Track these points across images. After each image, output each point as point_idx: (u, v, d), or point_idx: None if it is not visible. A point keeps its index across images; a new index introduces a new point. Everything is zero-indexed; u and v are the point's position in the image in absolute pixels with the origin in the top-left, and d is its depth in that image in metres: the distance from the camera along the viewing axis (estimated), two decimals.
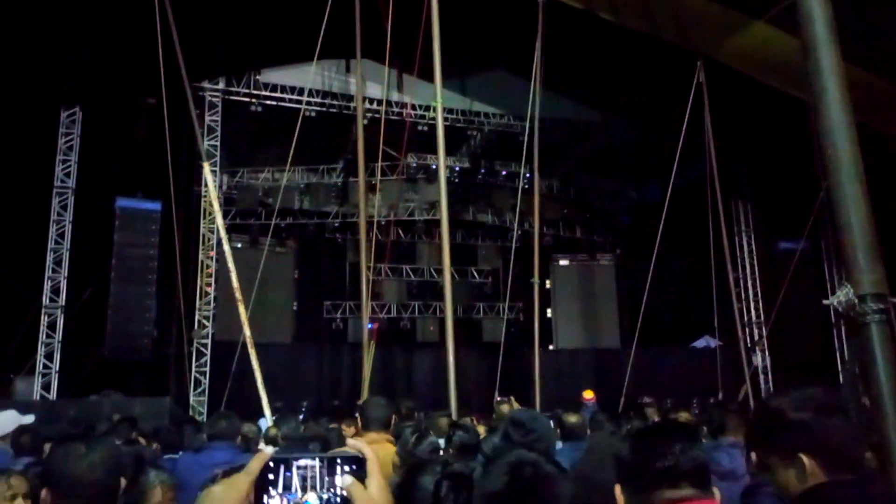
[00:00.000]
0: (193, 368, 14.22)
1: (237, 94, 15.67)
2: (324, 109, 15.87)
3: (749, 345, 15.24)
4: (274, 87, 15.78)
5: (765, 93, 12.43)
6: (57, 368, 13.50)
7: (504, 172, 18.65)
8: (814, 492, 1.60)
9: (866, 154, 2.34)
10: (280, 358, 15.58)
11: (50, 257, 13.79)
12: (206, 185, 13.25)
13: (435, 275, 18.51)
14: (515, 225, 15.08)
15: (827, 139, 2.36)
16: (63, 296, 13.78)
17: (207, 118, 15.10)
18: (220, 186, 16.37)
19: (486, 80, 17.29)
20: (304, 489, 1.10)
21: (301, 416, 11.67)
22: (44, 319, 13.60)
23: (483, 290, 19.44)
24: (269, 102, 15.69)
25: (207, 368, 14.60)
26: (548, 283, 19.62)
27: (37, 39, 11.78)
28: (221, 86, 15.56)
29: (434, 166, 17.00)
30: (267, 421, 7.67)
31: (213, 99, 15.44)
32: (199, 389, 14.42)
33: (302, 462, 1.11)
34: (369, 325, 10.41)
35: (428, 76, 8.68)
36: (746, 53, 11.57)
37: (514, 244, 13.38)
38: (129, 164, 13.48)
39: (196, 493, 3.26)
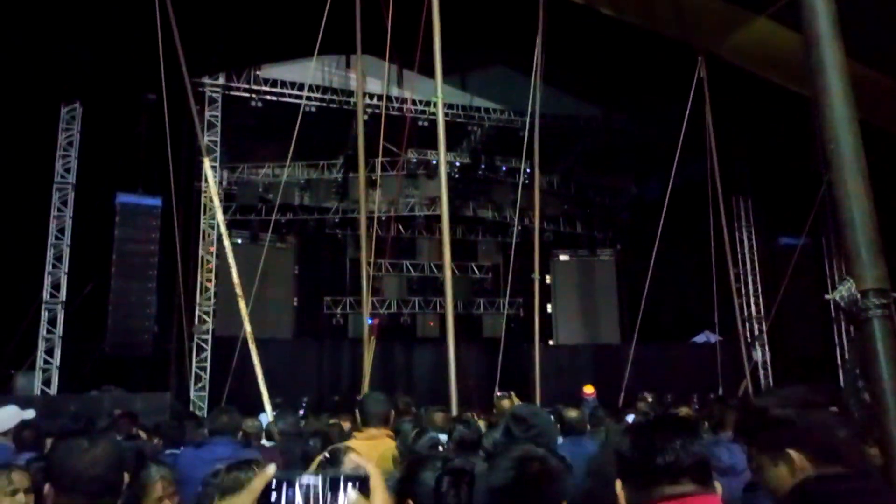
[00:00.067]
0: (194, 364, 14.24)
1: (237, 89, 15.65)
2: (324, 105, 15.85)
3: (749, 340, 15.24)
4: (274, 83, 15.77)
5: (766, 89, 12.40)
6: (57, 364, 13.50)
7: (504, 168, 18.64)
8: (804, 485, 1.62)
9: (868, 150, 2.33)
10: (280, 354, 15.59)
11: (50, 253, 13.79)
12: (206, 181, 13.23)
13: (435, 270, 18.52)
14: (516, 220, 15.07)
15: (829, 135, 2.35)
16: (63, 291, 13.78)
17: (207, 114, 15.09)
18: (221, 182, 16.36)
19: (486, 75, 17.28)
20: None
21: (301, 412, 11.70)
22: (44, 315, 13.61)
23: (483, 286, 19.45)
24: (269, 98, 15.67)
25: (208, 364, 14.62)
26: (548, 279, 19.62)
27: (37, 35, 11.75)
28: (221, 81, 15.54)
29: (434, 162, 16.99)
30: (267, 417, 7.67)
31: (214, 94, 15.43)
32: (200, 385, 14.44)
33: (305, 480, 1.10)
34: (370, 321, 10.40)
35: (428, 71, 8.66)
36: (748, 49, 11.54)
37: (514, 240, 13.36)
38: (129, 160, 13.48)
39: (197, 487, 3.27)
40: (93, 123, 14.17)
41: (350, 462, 3.01)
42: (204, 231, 15.12)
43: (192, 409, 13.38)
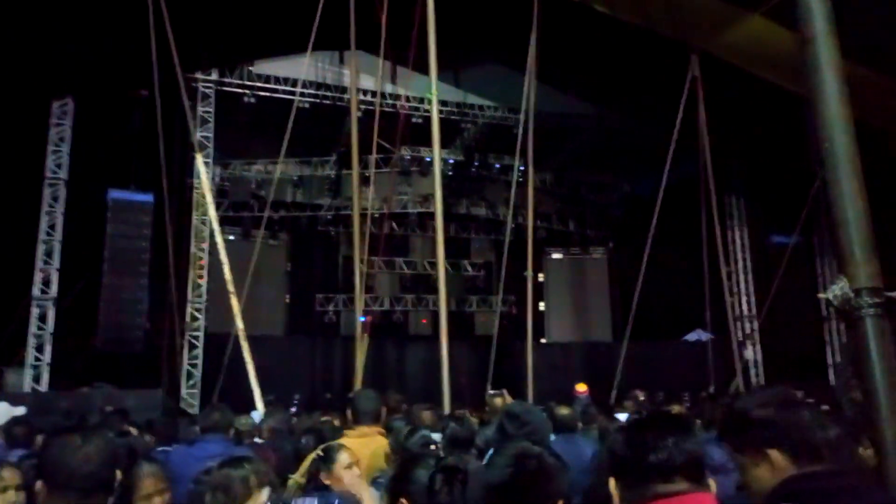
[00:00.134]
0: (186, 361, 14.21)
1: (230, 85, 15.61)
2: (317, 101, 15.82)
3: (741, 338, 15.30)
4: (267, 79, 15.73)
5: (759, 87, 12.45)
6: (48, 361, 13.44)
7: (497, 165, 18.65)
8: (785, 485, 1.62)
9: (862, 150, 2.34)
10: (272, 351, 15.54)
11: (41, 249, 13.70)
12: (198, 177, 13.21)
13: (428, 268, 18.51)
14: (509, 218, 15.06)
15: (824, 133, 2.35)
16: (55, 288, 13.70)
17: (200, 109, 15.04)
18: (213, 178, 16.29)
19: (480, 72, 17.28)
20: None
21: (293, 409, 11.69)
22: (35, 311, 13.53)
23: (476, 284, 19.47)
24: (262, 94, 15.64)
25: (200, 361, 14.59)
26: (540, 277, 19.66)
27: (28, 29, 11.67)
28: (214, 77, 15.50)
29: (428, 159, 16.99)
30: (259, 414, 7.66)
31: (206, 90, 15.38)
32: (192, 382, 14.41)
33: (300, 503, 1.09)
34: (362, 319, 10.38)
35: (422, 68, 8.66)
36: (741, 47, 11.59)
37: (507, 237, 13.37)
38: (121, 156, 13.42)
39: (189, 485, 3.25)
40: (84, 119, 14.09)
41: (343, 482, 3.02)
42: (196, 227, 15.06)
43: (183, 406, 13.35)
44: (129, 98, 13.17)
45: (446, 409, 6.31)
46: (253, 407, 8.09)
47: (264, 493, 2.35)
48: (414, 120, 15.52)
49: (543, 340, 19.53)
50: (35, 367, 13.39)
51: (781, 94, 11.94)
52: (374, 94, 13.82)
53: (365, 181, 14.93)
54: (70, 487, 1.80)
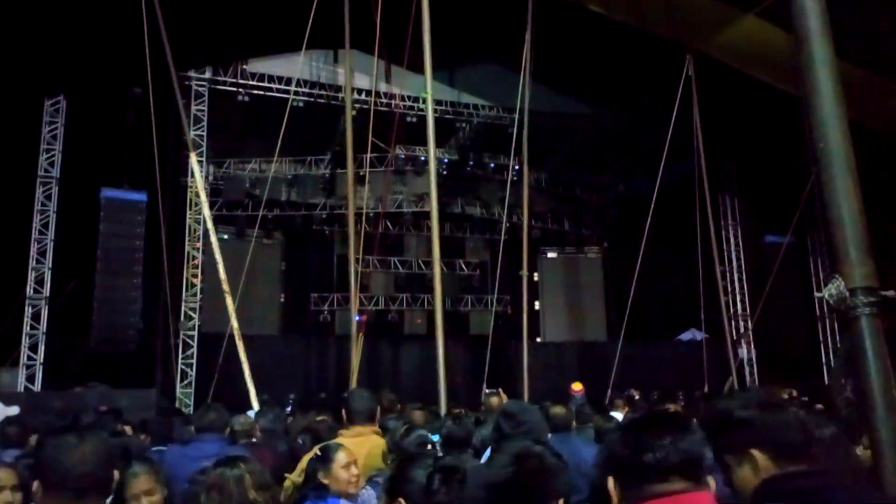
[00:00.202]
0: (180, 360, 14.17)
1: (224, 83, 15.56)
2: (311, 100, 15.78)
3: (735, 337, 15.34)
4: (261, 77, 15.68)
5: (753, 87, 12.49)
6: (42, 360, 13.39)
7: (492, 165, 18.65)
8: (766, 484, 1.64)
9: (857, 150, 2.35)
10: (267, 350, 15.52)
11: (34, 248, 13.65)
12: (192, 176, 13.17)
13: (423, 267, 18.51)
14: (504, 217, 15.07)
15: (819, 133, 2.36)
16: (48, 287, 13.65)
17: (194, 108, 14.99)
18: (207, 177, 16.26)
19: (474, 71, 17.29)
20: None
21: (289, 409, 11.68)
22: (28, 311, 13.48)
23: (471, 283, 19.47)
24: (256, 92, 15.59)
25: (194, 360, 14.54)
26: (535, 276, 19.68)
27: (21, 26, 11.62)
28: (208, 75, 15.44)
29: (423, 158, 16.97)
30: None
31: (200, 88, 15.33)
32: (186, 381, 14.37)
33: None
34: (357, 318, 10.37)
35: (416, 67, 8.63)
36: (736, 47, 11.62)
37: (502, 237, 13.37)
38: (114, 154, 13.35)
39: (184, 485, 3.25)
40: (77, 117, 14.03)
41: (340, 482, 3.02)
42: (190, 226, 15.02)
43: (178, 405, 13.31)
44: (122, 96, 13.13)
45: (442, 408, 6.31)
46: (248, 406, 8.07)
47: None
48: (408, 119, 15.52)
49: (538, 340, 19.56)
50: (28, 367, 13.34)
51: (776, 94, 11.99)
52: (368, 93, 13.82)
53: (360, 180, 14.94)
54: (66, 487, 1.79)
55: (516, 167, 13.95)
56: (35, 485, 1.84)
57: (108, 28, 11.52)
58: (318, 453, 3.16)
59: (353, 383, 9.10)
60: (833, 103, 2.37)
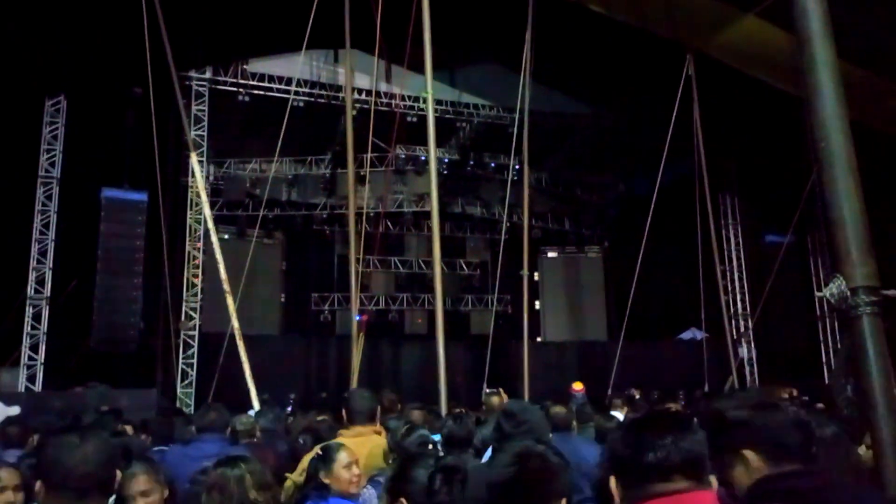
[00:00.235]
0: (180, 360, 14.16)
1: (224, 83, 15.55)
2: (312, 100, 15.77)
3: (735, 337, 15.34)
4: (261, 77, 15.68)
5: (753, 87, 12.48)
6: (42, 360, 13.39)
7: (493, 164, 18.64)
8: (758, 485, 1.65)
9: (859, 151, 2.35)
10: (267, 350, 15.52)
11: (35, 248, 13.65)
12: (193, 176, 13.17)
13: (423, 267, 18.52)
14: (504, 217, 15.07)
15: (820, 133, 2.37)
16: (48, 287, 13.65)
17: (194, 108, 14.98)
18: (207, 177, 16.26)
19: (475, 71, 17.27)
20: None
21: (289, 409, 11.68)
22: (29, 311, 13.48)
23: (471, 283, 19.47)
24: (256, 92, 15.58)
25: (195, 360, 14.54)
26: (536, 276, 19.67)
27: (21, 28, 11.62)
28: (208, 75, 15.43)
29: (423, 158, 16.97)
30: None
31: (200, 88, 15.32)
32: (187, 381, 14.37)
33: None
34: (358, 317, 10.38)
35: (417, 67, 8.64)
36: (736, 47, 11.62)
37: (502, 236, 13.37)
38: (114, 154, 13.36)
39: (185, 485, 3.25)
40: (78, 117, 14.03)
41: (342, 482, 3.02)
42: (190, 226, 15.01)
43: (178, 405, 13.30)
44: (122, 96, 13.14)
45: (443, 408, 6.31)
46: (249, 406, 8.07)
47: None
48: (409, 119, 15.51)
49: (539, 339, 19.56)
50: (29, 367, 13.34)
51: (776, 93, 11.99)
52: (369, 92, 13.81)
53: (360, 180, 14.94)
54: (68, 487, 1.79)
55: (517, 167, 13.94)
56: (37, 485, 1.84)
57: (108, 28, 11.52)
58: (320, 453, 3.16)
59: (354, 383, 9.11)
60: (834, 104, 2.38)
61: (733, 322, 17.04)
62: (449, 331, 7.21)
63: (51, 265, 13.69)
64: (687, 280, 14.63)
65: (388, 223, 18.50)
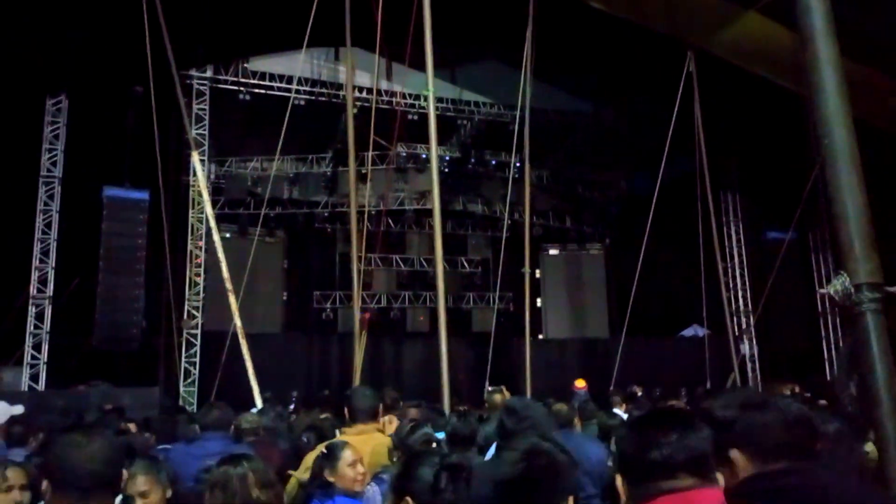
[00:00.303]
0: (183, 359, 14.17)
1: (225, 82, 15.56)
2: (313, 98, 15.78)
3: (737, 334, 15.35)
4: (262, 76, 15.68)
5: (754, 84, 12.47)
6: (45, 359, 13.42)
7: (494, 162, 18.63)
8: (743, 484, 1.64)
9: (863, 148, 2.35)
10: (269, 348, 15.52)
11: (37, 247, 13.67)
12: (194, 175, 13.17)
13: (425, 264, 18.51)
14: (506, 215, 15.07)
15: (824, 130, 2.37)
16: (51, 286, 13.67)
17: (195, 107, 14.99)
18: (209, 176, 16.25)
19: (476, 69, 17.26)
20: None
21: (292, 407, 11.70)
22: (31, 310, 13.50)
23: (473, 281, 19.45)
24: (257, 91, 15.58)
25: (197, 359, 14.56)
26: (537, 273, 19.66)
27: (22, 26, 11.62)
28: (209, 74, 15.44)
29: (424, 156, 16.96)
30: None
31: (201, 87, 15.32)
32: (189, 380, 14.39)
33: None
34: (361, 315, 10.38)
35: (418, 65, 8.64)
36: (737, 44, 11.60)
37: (504, 234, 13.37)
38: (116, 153, 13.37)
39: (189, 483, 3.26)
40: (79, 116, 14.03)
41: (347, 479, 3.02)
42: (192, 225, 15.02)
43: (181, 404, 13.32)
44: (123, 95, 13.14)
45: (446, 406, 6.31)
46: (251, 404, 8.09)
47: None
48: (410, 117, 15.51)
49: (541, 337, 19.55)
50: (32, 366, 13.36)
51: (777, 90, 11.97)
52: (370, 90, 13.81)
53: (361, 178, 14.92)
54: (74, 486, 1.80)
55: (518, 164, 13.93)
56: (44, 484, 1.84)
57: (109, 27, 11.52)
58: (325, 451, 3.17)
59: (356, 381, 9.11)
60: (838, 101, 2.38)
61: (735, 319, 17.01)
62: (451, 328, 7.20)
63: (53, 264, 13.70)
64: (688, 277, 14.64)
65: (390, 221, 18.49)
